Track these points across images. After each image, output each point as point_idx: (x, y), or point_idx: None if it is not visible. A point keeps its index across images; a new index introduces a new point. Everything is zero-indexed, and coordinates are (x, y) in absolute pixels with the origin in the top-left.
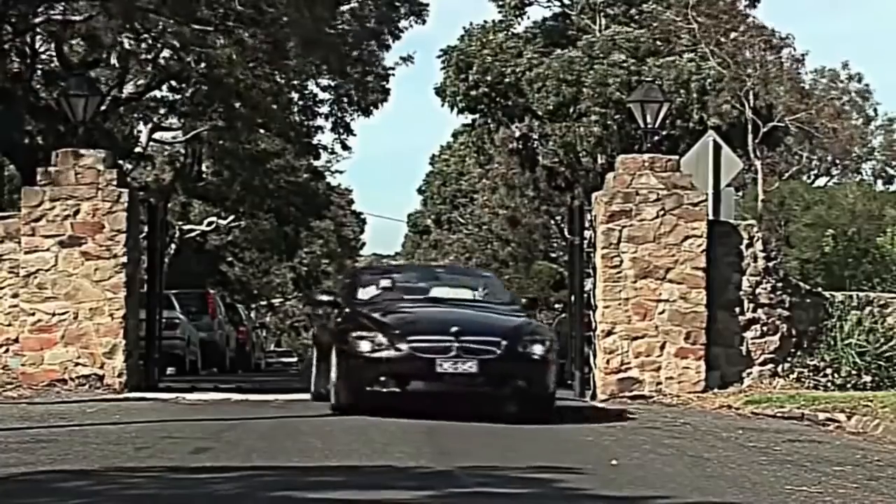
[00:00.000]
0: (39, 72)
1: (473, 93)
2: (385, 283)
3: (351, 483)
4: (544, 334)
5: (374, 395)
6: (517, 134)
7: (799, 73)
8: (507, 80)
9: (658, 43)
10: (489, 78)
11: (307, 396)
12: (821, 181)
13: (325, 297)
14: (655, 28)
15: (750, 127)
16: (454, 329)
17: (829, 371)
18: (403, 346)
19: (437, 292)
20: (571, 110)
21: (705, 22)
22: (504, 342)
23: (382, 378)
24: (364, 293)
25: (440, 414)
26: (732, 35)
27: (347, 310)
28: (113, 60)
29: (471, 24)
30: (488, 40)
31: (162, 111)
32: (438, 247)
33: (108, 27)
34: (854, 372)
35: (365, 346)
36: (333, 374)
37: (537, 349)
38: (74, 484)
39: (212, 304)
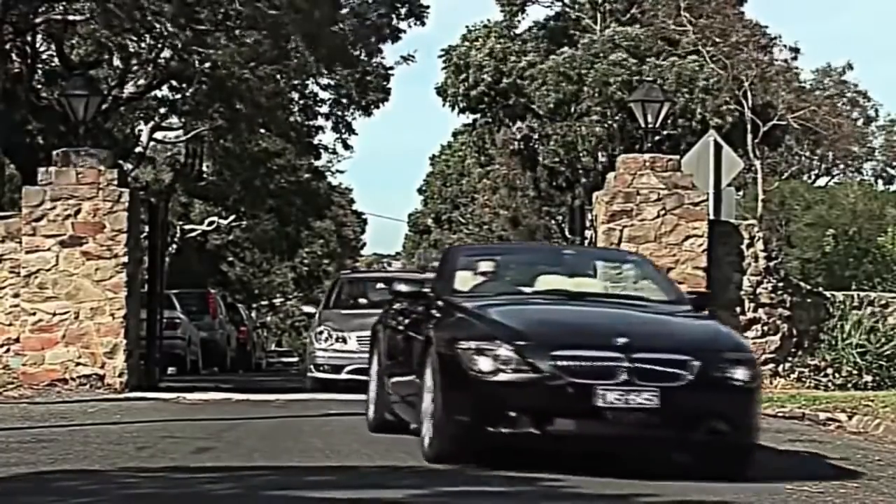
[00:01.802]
0: (40, 72)
1: (473, 93)
2: (487, 266)
3: (353, 483)
4: (747, 350)
5: (498, 438)
6: (518, 135)
7: (795, 68)
8: (507, 79)
9: (659, 42)
10: (486, 77)
11: (364, 421)
12: (821, 181)
13: (404, 288)
14: (653, 27)
15: (749, 127)
16: (621, 340)
17: (829, 371)
18: (544, 365)
19: (565, 283)
20: (572, 109)
21: (698, 22)
22: (696, 362)
23: (512, 413)
24: (464, 281)
25: (593, 467)
26: (727, 34)
27: (441, 304)
28: (116, 62)
29: (474, 24)
30: (488, 40)
31: (163, 111)
32: (439, 246)
33: (110, 27)
34: (855, 372)
35: (484, 364)
36: (426, 405)
37: (741, 373)
38: (75, 483)
39: (212, 303)
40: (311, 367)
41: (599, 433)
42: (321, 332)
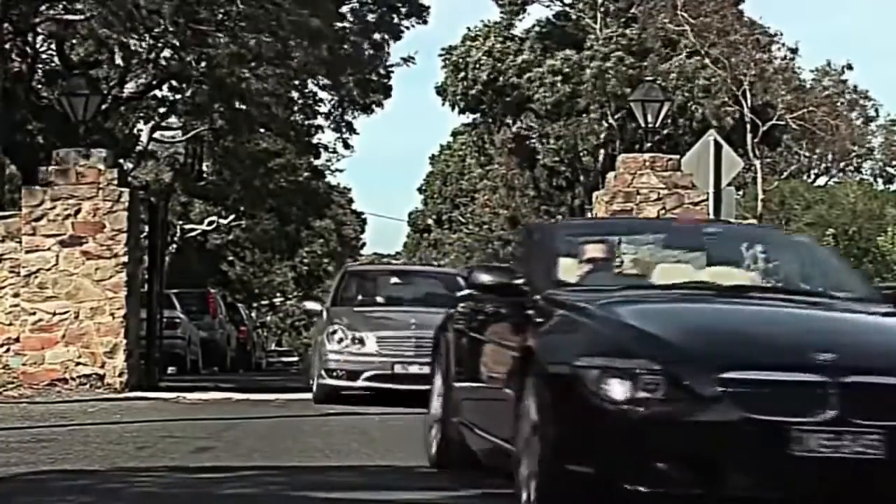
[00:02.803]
0: (40, 72)
1: (472, 92)
2: (597, 250)
3: (353, 483)
4: None
5: (639, 499)
6: (517, 134)
7: (797, 67)
8: (505, 78)
9: (659, 44)
10: (483, 75)
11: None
12: (821, 180)
13: (488, 279)
14: (653, 28)
15: (749, 126)
16: (824, 357)
17: None
18: (710, 392)
19: (691, 272)
20: (571, 109)
21: (697, 21)
22: None
23: (661, 464)
24: (567, 270)
25: None
26: (726, 33)
27: (542, 301)
28: (117, 60)
29: (474, 25)
30: (487, 40)
31: (162, 111)
32: (438, 246)
33: (109, 26)
34: None
35: (618, 390)
36: (525, 445)
37: None
38: (75, 483)
39: (213, 303)
40: (323, 372)
41: (796, 494)
42: (334, 332)
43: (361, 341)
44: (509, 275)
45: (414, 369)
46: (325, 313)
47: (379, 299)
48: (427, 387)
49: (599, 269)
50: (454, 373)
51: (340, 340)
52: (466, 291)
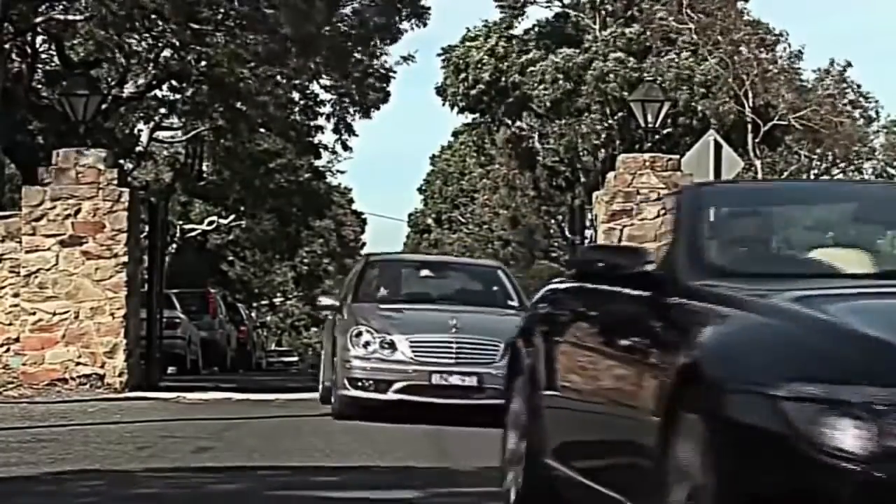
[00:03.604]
0: (40, 72)
1: (473, 92)
2: (749, 228)
3: (353, 483)
4: None
5: None
6: (518, 133)
7: (798, 70)
8: (505, 77)
9: (659, 43)
10: (485, 76)
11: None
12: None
13: (601, 259)
14: (653, 27)
15: (750, 126)
16: None
17: None
18: None
19: (864, 259)
20: (571, 108)
21: (701, 20)
22: None
23: None
24: (717, 253)
25: None
26: (729, 31)
27: (693, 297)
28: (121, 60)
29: (474, 25)
30: (488, 40)
31: (163, 111)
32: (439, 245)
33: (107, 26)
34: None
35: (850, 436)
36: None
37: None
38: (75, 484)
39: (212, 303)
40: (345, 381)
41: None
42: (359, 335)
43: (392, 346)
44: (636, 258)
45: (454, 380)
46: (344, 310)
47: (407, 295)
48: (469, 401)
49: (755, 252)
50: (546, 398)
51: (367, 344)
52: (553, 285)
